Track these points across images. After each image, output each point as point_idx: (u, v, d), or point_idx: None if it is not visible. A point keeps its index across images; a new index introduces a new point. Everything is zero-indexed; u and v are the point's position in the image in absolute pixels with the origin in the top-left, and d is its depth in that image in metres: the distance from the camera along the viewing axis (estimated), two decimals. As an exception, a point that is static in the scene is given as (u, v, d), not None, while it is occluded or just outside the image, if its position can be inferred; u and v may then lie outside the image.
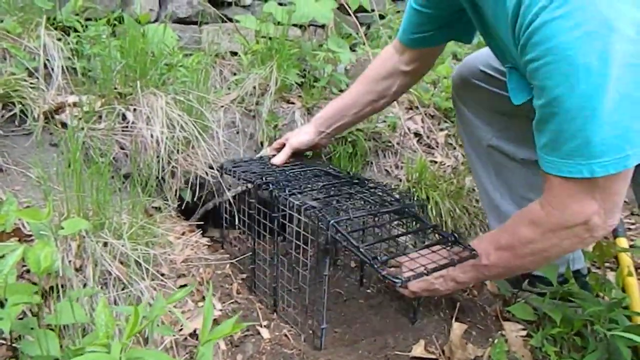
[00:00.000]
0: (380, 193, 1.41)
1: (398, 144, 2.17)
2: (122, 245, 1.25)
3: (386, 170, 2.10)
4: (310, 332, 1.35)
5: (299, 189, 1.39)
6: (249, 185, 1.55)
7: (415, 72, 1.52)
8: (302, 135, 1.68)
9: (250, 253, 1.52)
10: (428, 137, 2.25)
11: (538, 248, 1.12)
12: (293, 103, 2.21)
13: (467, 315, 1.51)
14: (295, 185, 1.42)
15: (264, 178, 1.47)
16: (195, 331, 1.24)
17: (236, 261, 1.58)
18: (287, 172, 1.57)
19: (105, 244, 1.28)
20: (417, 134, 2.25)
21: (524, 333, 1.49)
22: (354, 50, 2.81)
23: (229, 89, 2.25)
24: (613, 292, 1.49)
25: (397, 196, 1.39)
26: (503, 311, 1.56)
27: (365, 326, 1.44)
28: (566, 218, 1.05)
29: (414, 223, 1.35)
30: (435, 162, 2.13)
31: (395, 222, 1.40)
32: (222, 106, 2.09)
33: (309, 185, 1.44)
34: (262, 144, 2.07)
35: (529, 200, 1.55)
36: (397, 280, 1.04)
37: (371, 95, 1.54)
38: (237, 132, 2.09)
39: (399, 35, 1.46)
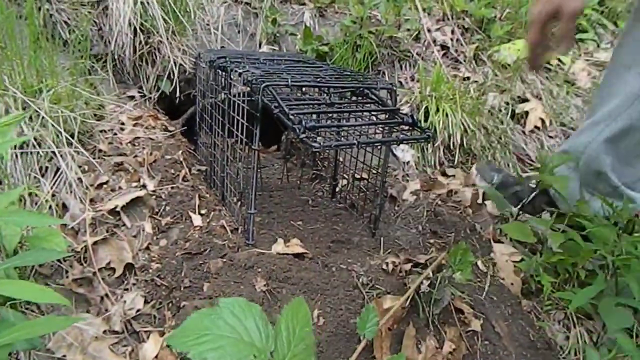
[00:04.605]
0: (351, 77, 1.19)
1: (418, 54, 1.90)
2: (40, 108, 1.12)
3: (400, 82, 1.84)
4: (243, 221, 1.18)
5: (256, 67, 1.19)
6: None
7: None
8: None
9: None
10: (456, 51, 1.96)
11: None
12: (304, 4, 1.99)
13: (452, 232, 1.27)
14: (256, 66, 1.23)
15: (228, 60, 1.28)
16: (115, 208, 1.11)
17: (199, 155, 1.43)
18: (261, 61, 1.38)
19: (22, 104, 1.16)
20: (443, 46, 1.96)
21: (518, 258, 1.23)
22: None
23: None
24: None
25: (369, 81, 1.16)
26: (497, 235, 1.30)
27: (323, 232, 1.25)
28: None
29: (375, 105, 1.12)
30: (458, 77, 1.84)
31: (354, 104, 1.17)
32: (225, 2, 1.92)
33: (273, 67, 1.25)
34: (260, 44, 1.88)
35: None
36: (314, 144, 0.89)
37: None
38: (239, 32, 1.91)
39: None
